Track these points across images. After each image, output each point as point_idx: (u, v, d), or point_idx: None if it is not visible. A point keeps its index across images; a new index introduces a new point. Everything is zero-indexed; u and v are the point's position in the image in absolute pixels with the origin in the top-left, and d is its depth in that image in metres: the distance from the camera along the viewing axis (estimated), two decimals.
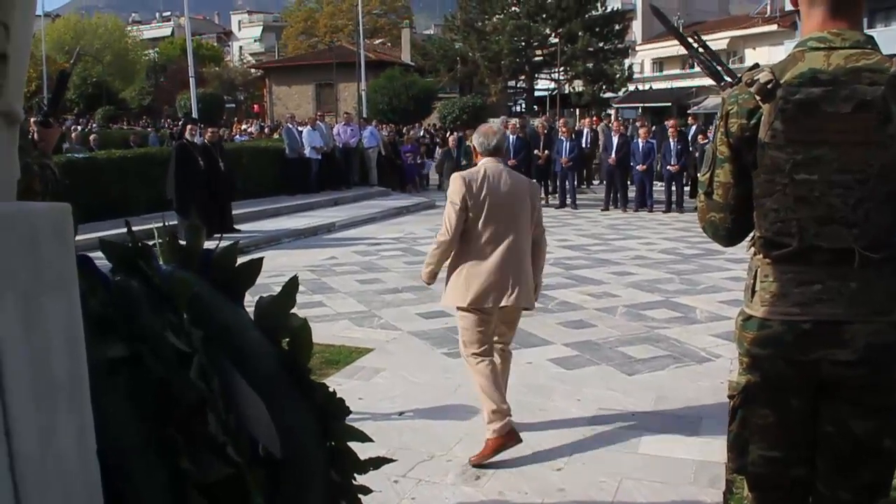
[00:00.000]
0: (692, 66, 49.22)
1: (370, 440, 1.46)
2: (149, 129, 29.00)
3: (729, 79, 2.40)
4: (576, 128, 20.49)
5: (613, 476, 4.00)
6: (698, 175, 2.35)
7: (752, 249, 2.22)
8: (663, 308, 7.75)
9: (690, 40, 2.52)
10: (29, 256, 0.84)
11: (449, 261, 4.61)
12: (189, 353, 1.14)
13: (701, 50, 2.49)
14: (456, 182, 4.48)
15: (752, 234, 2.23)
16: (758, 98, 2.08)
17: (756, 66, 2.18)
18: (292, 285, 1.40)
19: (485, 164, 4.58)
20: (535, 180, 5.39)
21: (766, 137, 2.06)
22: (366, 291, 8.71)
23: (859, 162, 2.01)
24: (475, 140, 4.76)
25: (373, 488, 1.90)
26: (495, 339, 4.61)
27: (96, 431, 0.96)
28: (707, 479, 3.94)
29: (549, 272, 9.63)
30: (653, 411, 4.92)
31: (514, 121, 21.50)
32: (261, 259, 1.41)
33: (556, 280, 9.25)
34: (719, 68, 2.46)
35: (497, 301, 4.38)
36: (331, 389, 1.42)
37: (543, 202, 5.87)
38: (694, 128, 18.06)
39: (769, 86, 2.05)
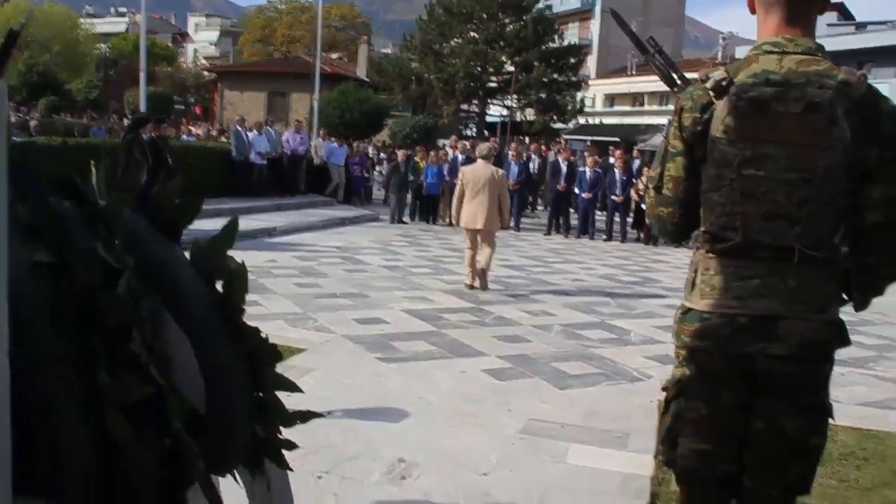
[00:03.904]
0: (642, 104, 50.27)
1: (300, 390, 1.42)
2: (93, 123, 28.40)
3: (683, 84, 2.43)
4: (524, 154, 20.67)
5: (540, 484, 3.97)
6: (650, 171, 2.37)
7: (696, 244, 2.24)
8: (599, 329, 7.81)
9: (647, 45, 2.55)
10: None
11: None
12: (118, 269, 1.10)
13: (657, 55, 2.52)
14: (460, 172, 10.21)
15: (696, 231, 2.25)
16: (712, 94, 2.12)
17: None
18: (232, 226, 1.36)
19: (477, 162, 9.89)
20: (501, 171, 10.24)
21: (717, 132, 2.10)
22: (303, 294, 8.61)
23: (805, 162, 2.06)
24: (476, 150, 10.69)
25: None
26: (479, 244, 9.64)
27: (13, 335, 0.91)
28: (633, 490, 3.94)
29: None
30: (582, 425, 4.92)
31: (465, 142, 21.66)
32: (201, 197, 1.37)
33: (495, 297, 9.29)
34: (674, 74, 2.49)
35: (472, 224, 9.54)
36: (263, 335, 1.38)
37: None
38: (638, 161, 18.36)
39: (723, 83, 2.10)
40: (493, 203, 9.46)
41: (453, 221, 9.98)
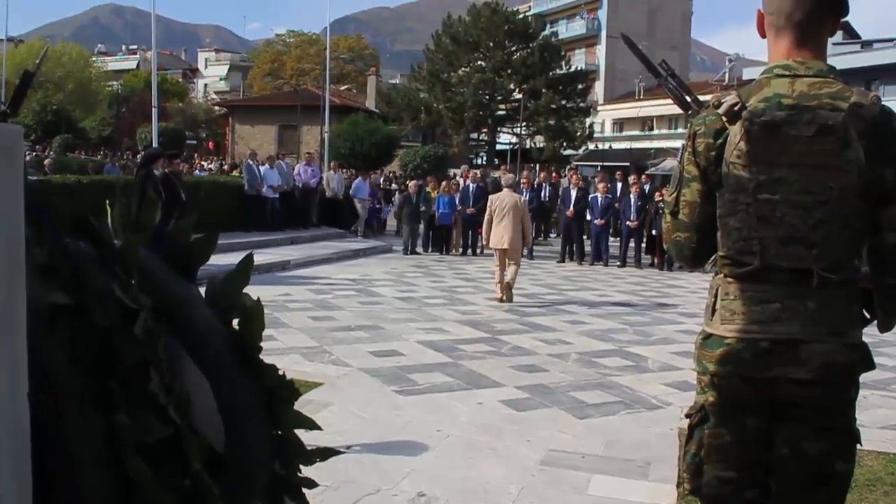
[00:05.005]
0: (651, 128, 50.38)
1: (318, 428, 1.40)
2: (107, 160, 28.65)
3: (696, 107, 2.42)
4: (535, 181, 20.75)
5: None
6: (664, 195, 2.36)
7: (714, 269, 2.22)
8: (616, 356, 7.76)
9: (659, 69, 2.54)
10: None
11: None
12: (135, 310, 1.09)
13: (669, 79, 2.51)
14: (489, 199, 11.53)
15: (714, 256, 2.23)
16: (724, 119, 2.10)
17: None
18: (247, 263, 1.35)
19: (504, 190, 11.45)
20: (524, 198, 12.33)
21: (731, 157, 2.08)
22: (318, 328, 8.60)
23: (820, 184, 2.04)
24: (503, 180, 12.58)
25: None
26: (507, 262, 11.04)
27: (32, 376, 0.90)
28: None
29: (502, 317, 9.73)
30: (603, 455, 4.87)
31: (476, 171, 21.74)
32: (215, 235, 1.36)
33: (510, 325, 9.25)
34: (687, 97, 2.48)
35: (499, 245, 10.94)
36: (281, 372, 1.37)
37: None
38: (648, 185, 18.36)
39: (736, 108, 2.08)
40: (517, 226, 10.96)
41: (484, 242, 12.33)
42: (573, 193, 17.46)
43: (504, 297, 11.06)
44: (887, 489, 4.26)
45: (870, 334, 2.17)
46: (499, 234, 10.97)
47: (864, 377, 2.16)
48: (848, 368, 2.09)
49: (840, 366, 2.07)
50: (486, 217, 11.27)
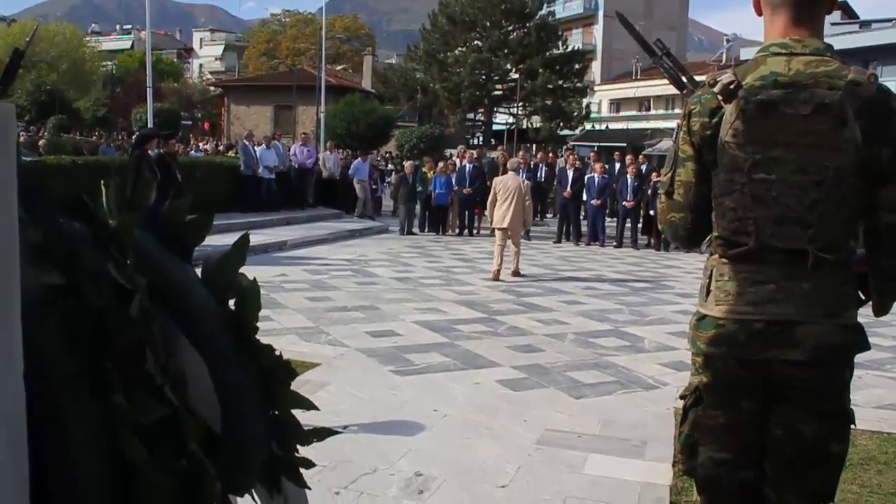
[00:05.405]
0: (648, 109, 50.24)
1: (315, 408, 1.40)
2: (102, 141, 28.56)
3: (692, 87, 2.40)
4: (531, 162, 20.72)
5: (558, 495, 3.94)
6: (659, 176, 2.35)
7: (709, 250, 2.22)
8: (612, 336, 7.78)
9: (654, 47, 2.52)
10: None
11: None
12: (130, 290, 1.08)
13: (664, 58, 2.49)
14: (494, 181, 12.46)
15: (709, 237, 2.22)
16: (720, 98, 2.09)
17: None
18: (243, 242, 1.34)
19: (508, 173, 12.31)
20: (527, 182, 13.13)
21: (726, 136, 2.07)
22: (314, 308, 8.60)
23: (816, 164, 2.03)
24: (508, 164, 13.60)
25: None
26: (508, 241, 11.67)
27: (26, 358, 0.90)
28: (652, 500, 3.91)
29: (499, 298, 9.74)
30: (599, 434, 4.89)
31: (472, 152, 21.69)
32: (211, 215, 1.36)
33: (507, 306, 9.27)
34: (682, 76, 2.46)
35: (500, 224, 11.56)
36: (277, 352, 1.36)
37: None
38: (645, 166, 18.34)
39: (731, 86, 2.06)
40: (519, 207, 11.65)
41: (488, 216, 12.87)
42: (570, 174, 17.44)
43: (500, 277, 11.40)
44: (881, 468, 4.29)
45: (865, 314, 2.16)
46: (501, 214, 11.65)
47: (860, 357, 2.16)
48: (843, 350, 2.09)
49: (835, 347, 2.07)
50: (490, 197, 12.01)
